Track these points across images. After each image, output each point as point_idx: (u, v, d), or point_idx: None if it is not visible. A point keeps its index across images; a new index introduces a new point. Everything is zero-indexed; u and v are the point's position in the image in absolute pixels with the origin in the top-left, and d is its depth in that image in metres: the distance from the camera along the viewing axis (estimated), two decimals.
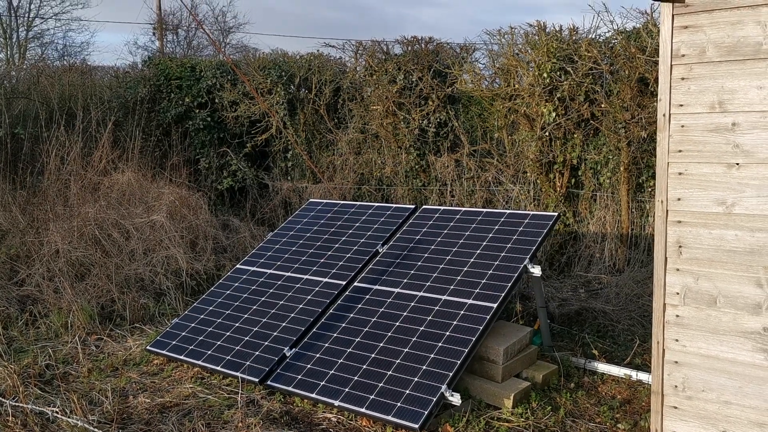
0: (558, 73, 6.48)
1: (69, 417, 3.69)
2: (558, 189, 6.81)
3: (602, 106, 6.33)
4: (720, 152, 2.64)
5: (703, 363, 2.72)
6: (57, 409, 3.81)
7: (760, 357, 2.59)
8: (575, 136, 6.58)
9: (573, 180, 6.82)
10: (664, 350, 2.83)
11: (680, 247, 2.75)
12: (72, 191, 6.94)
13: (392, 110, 7.73)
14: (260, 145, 8.97)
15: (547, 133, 6.67)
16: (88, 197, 6.85)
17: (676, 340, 2.79)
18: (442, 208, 5.33)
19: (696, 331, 2.74)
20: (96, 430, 3.48)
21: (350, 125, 8.31)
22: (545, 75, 6.48)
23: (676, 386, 2.81)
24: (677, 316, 2.78)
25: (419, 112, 7.57)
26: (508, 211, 5.00)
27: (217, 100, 8.94)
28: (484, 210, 5.12)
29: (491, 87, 7.24)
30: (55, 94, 8.37)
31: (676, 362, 2.79)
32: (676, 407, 2.82)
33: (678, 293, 2.77)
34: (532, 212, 4.89)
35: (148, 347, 4.76)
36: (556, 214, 4.78)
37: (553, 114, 6.54)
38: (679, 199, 2.75)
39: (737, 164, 2.60)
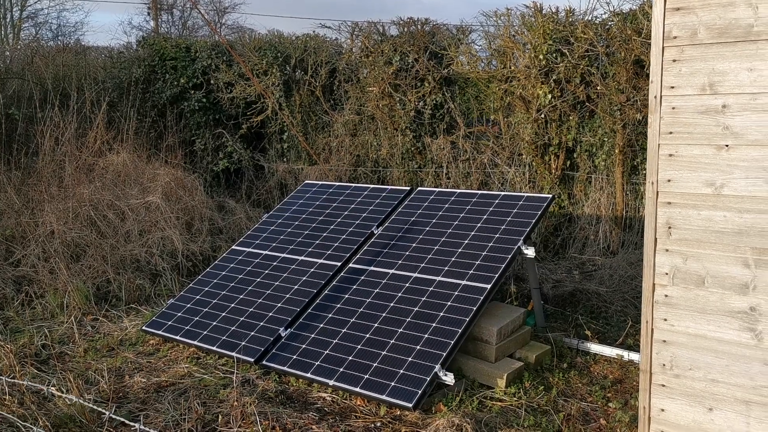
0: (554, 54, 6.47)
1: (65, 395, 3.72)
2: (553, 171, 6.83)
3: (598, 88, 6.33)
4: (710, 134, 2.65)
5: (691, 342, 2.76)
6: (53, 388, 3.85)
7: (746, 336, 2.63)
8: (571, 118, 6.59)
9: (568, 162, 6.84)
10: (652, 329, 2.86)
11: (670, 228, 2.78)
12: (67, 172, 6.93)
13: (388, 92, 7.71)
14: (256, 127, 8.95)
15: (542, 116, 6.67)
16: (83, 178, 6.85)
17: (665, 320, 2.82)
18: (437, 189, 5.34)
19: (684, 311, 2.77)
20: (93, 406, 3.52)
21: (346, 107, 8.29)
22: (541, 57, 6.47)
23: (664, 365, 2.84)
24: (666, 295, 2.81)
25: (415, 94, 7.56)
26: (502, 193, 5.01)
27: (212, 81, 8.90)
28: (479, 192, 5.14)
29: (487, 69, 7.23)
30: (49, 75, 8.32)
31: (665, 341, 2.83)
32: (663, 385, 2.86)
33: (667, 273, 2.80)
34: (526, 194, 4.91)
35: (143, 327, 4.80)
36: (550, 196, 4.80)
37: (549, 96, 6.54)
38: (669, 181, 2.76)
39: (726, 146, 2.61)
